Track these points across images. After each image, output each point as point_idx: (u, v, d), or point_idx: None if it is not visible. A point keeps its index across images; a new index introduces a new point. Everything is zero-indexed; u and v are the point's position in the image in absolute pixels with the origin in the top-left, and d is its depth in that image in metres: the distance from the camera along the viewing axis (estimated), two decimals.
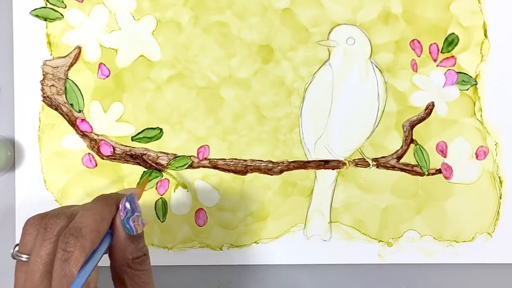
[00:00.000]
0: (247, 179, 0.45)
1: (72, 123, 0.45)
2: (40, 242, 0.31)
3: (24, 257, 0.32)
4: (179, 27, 0.45)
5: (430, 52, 0.45)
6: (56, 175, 0.45)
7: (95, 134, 0.45)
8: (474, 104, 0.45)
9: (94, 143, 0.45)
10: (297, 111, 0.45)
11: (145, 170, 0.45)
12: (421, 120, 0.45)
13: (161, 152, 0.45)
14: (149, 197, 0.45)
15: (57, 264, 0.29)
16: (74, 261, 0.29)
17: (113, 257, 0.33)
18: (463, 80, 0.45)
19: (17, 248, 0.32)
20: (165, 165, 0.45)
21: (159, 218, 0.45)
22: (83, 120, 0.45)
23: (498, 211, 0.45)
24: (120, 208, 0.32)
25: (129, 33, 0.45)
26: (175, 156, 0.45)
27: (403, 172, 0.45)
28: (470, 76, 0.45)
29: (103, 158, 0.45)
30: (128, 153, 0.45)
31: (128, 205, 0.32)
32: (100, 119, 0.45)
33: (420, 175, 0.45)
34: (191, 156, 0.45)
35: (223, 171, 0.45)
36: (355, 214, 0.45)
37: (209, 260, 0.45)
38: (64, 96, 0.45)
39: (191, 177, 0.45)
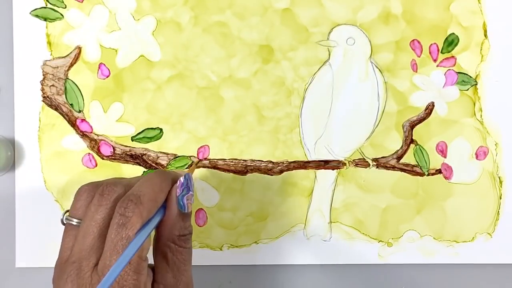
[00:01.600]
0: (247, 179, 0.45)
1: (72, 123, 0.45)
2: (96, 207, 0.31)
3: (75, 221, 0.32)
4: (179, 27, 0.45)
5: (430, 52, 0.45)
6: (56, 175, 0.45)
7: (95, 134, 0.45)
8: (474, 104, 0.45)
9: (94, 143, 0.45)
10: (297, 111, 0.45)
11: (145, 170, 0.45)
12: (421, 120, 0.45)
13: (161, 152, 0.45)
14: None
15: (113, 228, 0.30)
16: (131, 226, 0.30)
17: (161, 231, 0.33)
18: (463, 80, 0.45)
19: (67, 214, 0.33)
20: (165, 165, 0.45)
21: None
22: (83, 120, 0.45)
23: (498, 211, 0.45)
24: (177, 184, 0.33)
25: (129, 33, 0.45)
26: (175, 156, 0.45)
27: (403, 172, 0.45)
28: (470, 76, 0.45)
29: (103, 158, 0.45)
30: (128, 153, 0.45)
31: (185, 182, 0.33)
32: (100, 119, 0.45)
33: (420, 175, 0.45)
34: (191, 156, 0.45)
35: (223, 171, 0.45)
36: (355, 214, 0.45)
37: (209, 260, 0.45)
38: (64, 96, 0.45)
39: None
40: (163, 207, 0.33)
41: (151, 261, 0.33)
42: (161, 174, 0.34)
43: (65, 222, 0.33)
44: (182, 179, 0.33)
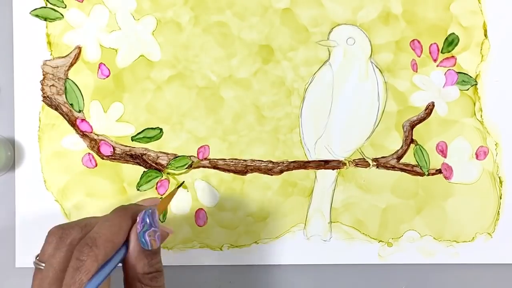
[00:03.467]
0: (247, 179, 0.45)
1: (72, 123, 0.45)
2: (54, 250, 0.31)
3: (41, 265, 0.32)
4: (179, 27, 0.45)
5: (430, 52, 0.45)
6: (56, 175, 0.45)
7: (95, 134, 0.45)
8: (474, 104, 0.45)
9: (94, 143, 0.45)
10: (297, 111, 0.45)
11: (145, 170, 0.45)
12: (421, 120, 0.45)
13: (161, 152, 0.45)
14: (149, 197, 0.45)
15: (68, 272, 0.30)
16: (85, 270, 0.30)
17: (126, 270, 0.33)
18: (463, 80, 0.45)
19: (38, 257, 0.33)
20: (165, 165, 0.45)
21: (159, 218, 0.45)
22: (83, 120, 0.45)
23: (498, 211, 0.45)
24: (137, 221, 0.32)
25: (129, 33, 0.45)
26: (175, 156, 0.45)
27: (403, 172, 0.45)
28: (470, 76, 0.45)
29: (103, 158, 0.45)
30: (128, 153, 0.45)
31: (146, 218, 0.32)
32: (100, 119, 0.45)
33: (420, 175, 0.45)
34: (191, 156, 0.45)
35: (223, 171, 0.45)
36: (355, 214, 0.45)
37: (209, 260, 0.45)
38: (64, 96, 0.45)
39: (191, 177, 0.45)
40: (125, 246, 0.32)
41: None
42: (120, 212, 0.33)
43: (34, 266, 0.33)
44: (141, 214, 0.32)
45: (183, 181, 0.45)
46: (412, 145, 0.45)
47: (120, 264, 0.33)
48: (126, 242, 0.32)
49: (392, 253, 0.45)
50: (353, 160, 0.45)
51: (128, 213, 0.33)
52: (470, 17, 0.45)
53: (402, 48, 0.45)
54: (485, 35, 0.45)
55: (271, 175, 0.45)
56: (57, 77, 0.45)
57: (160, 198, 0.44)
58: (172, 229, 0.36)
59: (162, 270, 0.34)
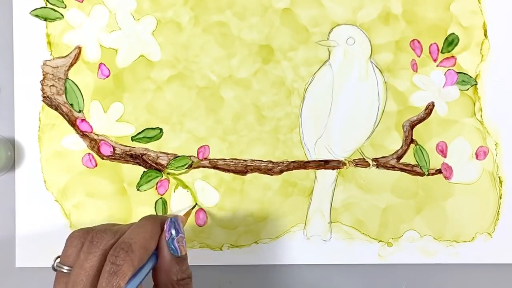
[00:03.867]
0: (247, 179, 0.45)
1: (72, 123, 0.45)
2: (85, 254, 0.31)
3: (65, 269, 0.32)
4: (179, 27, 0.45)
5: (430, 52, 0.45)
6: (56, 175, 0.45)
7: (95, 134, 0.45)
8: (474, 104, 0.45)
9: (94, 143, 0.45)
10: (297, 111, 0.45)
11: (145, 170, 0.45)
12: (421, 120, 0.45)
13: (161, 152, 0.45)
14: (149, 197, 0.45)
15: (104, 277, 0.30)
16: (122, 275, 0.30)
17: (157, 278, 0.33)
18: (463, 80, 0.45)
19: (58, 260, 0.33)
20: (165, 165, 0.45)
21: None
22: (83, 120, 0.45)
23: (498, 211, 0.45)
24: (165, 229, 0.33)
25: (129, 33, 0.45)
26: (175, 156, 0.45)
27: (403, 172, 0.45)
28: (470, 76, 0.45)
29: (103, 158, 0.45)
30: (128, 153, 0.45)
31: (173, 226, 0.33)
32: (100, 119, 0.45)
33: (420, 175, 0.45)
34: (191, 156, 0.45)
35: (223, 171, 0.45)
36: (355, 214, 0.45)
37: (209, 260, 0.45)
38: (64, 96, 0.45)
39: (191, 177, 0.45)
40: (155, 254, 0.33)
41: None
42: (151, 220, 0.34)
43: (56, 269, 0.33)
44: (168, 222, 0.33)
45: (196, 204, 0.45)
46: (412, 145, 0.45)
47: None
48: (156, 250, 0.33)
49: (392, 253, 0.45)
50: (353, 160, 0.45)
51: (158, 221, 0.34)
52: (470, 17, 0.45)
53: (402, 48, 0.45)
54: (485, 35, 0.45)
55: (271, 175, 0.45)
56: (57, 77, 0.45)
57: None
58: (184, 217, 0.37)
59: (192, 276, 0.34)
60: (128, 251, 0.30)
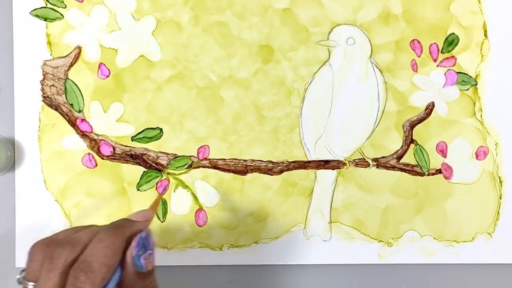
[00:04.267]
0: (247, 179, 0.45)
1: (72, 123, 0.45)
2: (46, 273, 0.30)
3: (30, 285, 0.31)
4: (179, 27, 0.45)
5: (430, 52, 0.45)
6: (56, 175, 0.45)
7: (95, 134, 0.45)
8: (474, 104, 0.45)
9: (94, 143, 0.45)
10: (297, 111, 0.45)
11: (145, 170, 0.45)
12: (421, 120, 0.45)
13: (161, 152, 0.45)
14: (149, 197, 0.45)
15: None
16: None
17: None
18: (463, 80, 0.45)
19: (24, 273, 0.32)
20: (165, 165, 0.45)
21: (159, 218, 0.45)
22: (83, 120, 0.45)
23: (498, 211, 0.45)
24: (132, 245, 0.32)
25: (129, 33, 0.45)
26: (175, 156, 0.45)
27: (403, 172, 0.45)
28: (470, 76, 0.45)
29: (103, 158, 0.45)
30: (128, 153, 0.45)
31: (141, 243, 0.32)
32: (100, 119, 0.45)
33: (420, 175, 0.45)
34: (191, 156, 0.45)
35: (223, 171, 0.45)
36: (355, 214, 0.45)
37: (209, 260, 0.45)
38: (64, 96, 0.45)
39: (191, 177, 0.45)
40: (120, 266, 0.32)
41: None
42: (114, 231, 0.32)
43: (20, 285, 0.32)
44: (137, 239, 0.32)
45: (165, 191, 0.44)
46: (412, 145, 0.45)
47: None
48: (121, 263, 0.32)
49: (392, 253, 0.45)
50: (353, 160, 0.45)
51: (122, 233, 0.32)
52: (470, 17, 0.45)
53: (402, 48, 0.45)
54: (485, 35, 0.45)
55: (271, 175, 0.45)
56: (57, 77, 0.45)
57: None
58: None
59: (158, 286, 0.33)
60: (88, 272, 0.29)
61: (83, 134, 0.45)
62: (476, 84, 0.45)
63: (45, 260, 0.30)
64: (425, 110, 0.45)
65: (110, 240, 0.31)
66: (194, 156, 0.45)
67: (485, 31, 0.45)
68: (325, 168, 0.45)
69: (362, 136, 0.45)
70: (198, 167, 0.45)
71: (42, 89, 0.45)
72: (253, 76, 0.45)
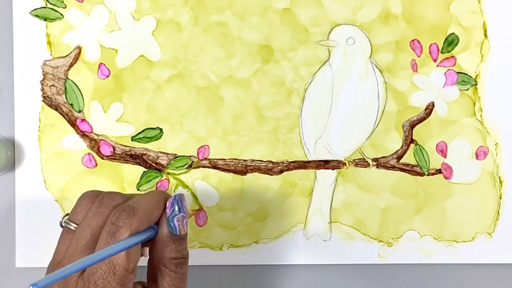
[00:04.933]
0: (247, 179, 0.45)
1: (72, 123, 0.45)
2: (94, 213, 0.31)
3: (73, 226, 0.32)
4: (179, 27, 0.45)
5: (430, 52, 0.45)
6: (56, 175, 0.45)
7: (95, 134, 0.45)
8: (474, 104, 0.45)
9: (94, 143, 0.45)
10: (297, 111, 0.45)
11: (145, 170, 0.45)
12: (421, 120, 0.45)
13: (161, 152, 0.45)
14: None
15: (103, 236, 0.30)
16: (119, 236, 0.30)
17: (152, 253, 0.33)
18: (463, 80, 0.45)
19: (67, 217, 0.33)
20: (165, 165, 0.45)
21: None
22: (83, 120, 0.45)
23: (498, 211, 0.45)
24: (167, 205, 0.33)
25: (129, 33, 0.45)
26: (175, 156, 0.45)
27: (403, 172, 0.45)
28: (470, 76, 0.45)
29: (103, 158, 0.45)
30: (128, 153, 0.45)
31: (176, 203, 0.33)
32: (100, 119, 0.45)
33: (420, 175, 0.45)
34: (191, 156, 0.45)
35: (223, 171, 0.45)
36: (355, 214, 0.45)
37: (209, 260, 0.45)
38: (64, 96, 0.45)
39: (191, 177, 0.45)
40: (154, 228, 0.32)
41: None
42: (159, 192, 0.34)
43: (63, 225, 0.33)
44: (171, 199, 0.33)
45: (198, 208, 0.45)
46: (412, 145, 0.45)
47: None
48: (156, 225, 0.33)
49: (392, 253, 0.45)
50: (353, 160, 0.45)
51: (164, 196, 0.33)
52: (470, 17, 0.45)
53: (402, 48, 0.45)
54: (485, 35, 0.45)
55: (271, 175, 0.45)
56: (57, 77, 0.45)
57: None
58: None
59: (188, 257, 0.33)
60: (129, 214, 0.30)
61: (83, 134, 0.45)
62: (476, 84, 0.45)
63: (95, 203, 0.32)
64: (425, 110, 0.45)
65: (156, 196, 0.33)
66: (194, 156, 0.45)
67: (485, 31, 0.45)
68: (325, 168, 0.45)
69: (362, 136, 0.45)
70: (198, 167, 0.45)
71: (42, 89, 0.45)
72: (253, 76, 0.45)
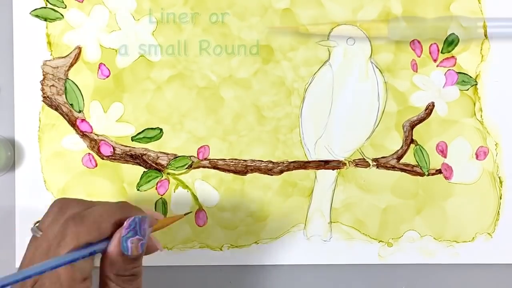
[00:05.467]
0: (247, 179, 0.45)
1: (72, 123, 0.45)
2: (52, 221, 0.31)
3: (39, 233, 0.32)
4: (179, 27, 0.45)
5: (430, 52, 0.45)
6: (56, 175, 0.45)
7: (95, 134, 0.45)
8: (474, 104, 0.45)
9: (94, 143, 0.45)
10: (297, 111, 0.45)
11: (145, 170, 0.45)
12: (421, 120, 0.45)
13: (161, 152, 0.45)
14: (149, 197, 0.45)
15: (53, 245, 0.30)
16: (64, 245, 0.30)
17: (102, 265, 0.32)
18: (463, 80, 0.45)
19: (37, 224, 0.33)
20: (165, 165, 0.45)
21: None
22: (83, 120, 0.45)
23: (498, 211, 0.45)
24: (124, 225, 0.32)
25: (129, 33, 0.45)
26: (175, 156, 0.45)
27: (403, 172, 0.45)
28: (470, 76, 0.45)
29: (103, 158, 0.45)
30: (128, 153, 0.45)
31: (133, 225, 0.32)
32: (100, 119, 0.45)
33: (420, 175, 0.45)
34: (191, 156, 0.45)
35: (223, 171, 0.45)
36: (355, 214, 0.45)
37: (209, 260, 0.45)
38: (64, 96, 0.45)
39: (191, 177, 0.45)
40: (108, 239, 0.32)
41: None
42: (119, 204, 0.33)
43: (32, 232, 0.33)
44: (130, 220, 0.31)
45: (190, 212, 0.44)
46: (412, 145, 0.45)
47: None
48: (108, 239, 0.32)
49: (392, 253, 0.45)
50: (353, 160, 0.45)
51: (128, 210, 0.33)
52: (470, 17, 0.45)
53: (402, 48, 0.45)
54: (485, 35, 0.45)
55: (271, 175, 0.45)
56: (57, 77, 0.45)
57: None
58: (161, 246, 0.35)
59: (139, 274, 0.33)
60: (77, 223, 0.30)
61: (83, 134, 0.45)
62: (476, 84, 0.45)
63: (55, 211, 0.32)
64: (425, 110, 0.45)
65: (113, 208, 0.32)
66: (194, 156, 0.45)
67: (485, 31, 0.45)
68: (325, 168, 0.45)
69: (362, 136, 0.45)
70: (198, 167, 0.45)
71: (42, 89, 0.45)
72: (253, 76, 0.45)
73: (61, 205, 0.32)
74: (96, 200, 0.35)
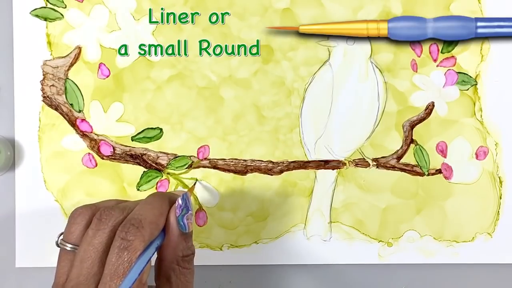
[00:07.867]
0: (247, 179, 0.45)
1: (72, 123, 0.45)
2: (94, 231, 0.31)
3: (69, 246, 0.32)
4: (179, 27, 0.45)
5: (430, 52, 0.45)
6: (56, 175, 0.45)
7: (95, 134, 0.45)
8: (474, 104, 0.45)
9: (94, 143, 0.45)
10: (297, 111, 0.45)
11: (145, 170, 0.45)
12: (421, 120, 0.45)
13: (161, 152, 0.45)
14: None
15: (113, 252, 0.30)
16: (133, 250, 0.30)
17: (163, 254, 0.33)
18: (463, 80, 0.45)
19: (61, 237, 0.33)
20: (165, 165, 0.45)
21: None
22: (83, 120, 0.45)
23: (498, 211, 0.45)
24: (176, 205, 0.33)
25: (129, 33, 0.45)
26: (175, 156, 0.45)
27: (403, 172, 0.45)
28: (470, 76, 0.45)
29: (103, 158, 0.45)
30: (128, 153, 0.45)
31: (184, 202, 0.33)
32: (100, 119, 0.45)
33: (420, 175, 0.45)
34: (191, 156, 0.45)
35: (223, 171, 0.45)
36: (355, 214, 0.45)
37: (209, 260, 0.45)
38: (64, 96, 0.45)
39: (191, 177, 0.45)
40: (162, 230, 0.33)
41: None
42: (159, 196, 0.34)
43: (59, 246, 0.33)
44: (180, 200, 0.33)
45: (196, 180, 0.45)
46: (412, 145, 0.45)
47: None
48: (163, 227, 0.33)
49: (392, 253, 0.45)
50: (353, 160, 0.45)
51: (166, 198, 0.34)
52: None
53: (402, 48, 0.45)
54: (485, 35, 0.45)
55: (271, 175, 0.45)
56: (57, 77, 0.45)
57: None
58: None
59: (195, 252, 0.35)
60: (138, 227, 0.30)
61: (83, 134, 0.45)
62: (476, 84, 0.45)
63: (93, 221, 0.32)
64: (425, 110, 0.45)
65: (157, 202, 0.33)
66: (194, 156, 0.45)
67: (485, 31, 0.45)
68: (325, 168, 0.45)
69: (362, 136, 0.45)
70: (198, 167, 0.45)
71: (42, 89, 0.45)
72: (253, 76, 0.45)
73: (98, 215, 0.32)
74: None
